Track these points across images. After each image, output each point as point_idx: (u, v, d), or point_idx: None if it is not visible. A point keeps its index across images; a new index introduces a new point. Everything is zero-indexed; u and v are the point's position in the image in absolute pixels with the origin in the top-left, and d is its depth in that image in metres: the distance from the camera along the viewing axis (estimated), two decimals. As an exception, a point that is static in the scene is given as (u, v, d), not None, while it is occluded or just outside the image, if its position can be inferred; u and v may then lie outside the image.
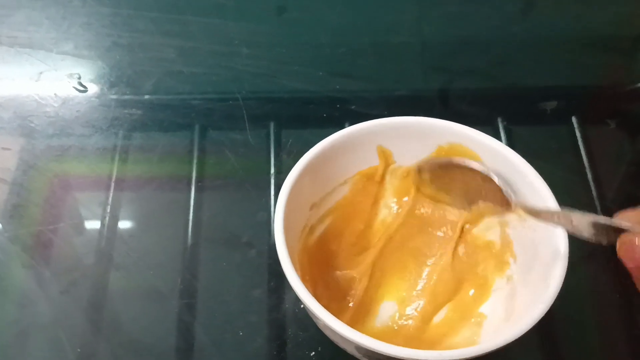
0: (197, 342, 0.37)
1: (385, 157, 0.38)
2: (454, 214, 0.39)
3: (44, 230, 0.42)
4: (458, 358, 0.29)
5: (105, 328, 0.38)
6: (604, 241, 0.30)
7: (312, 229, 0.38)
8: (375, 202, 0.40)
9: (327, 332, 0.34)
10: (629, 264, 0.29)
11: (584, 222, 0.30)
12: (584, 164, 0.46)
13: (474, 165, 0.36)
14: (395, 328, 0.37)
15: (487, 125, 0.47)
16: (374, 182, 0.39)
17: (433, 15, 0.56)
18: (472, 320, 0.36)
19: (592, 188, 0.45)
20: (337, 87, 0.49)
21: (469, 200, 0.37)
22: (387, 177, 0.40)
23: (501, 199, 0.35)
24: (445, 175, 0.37)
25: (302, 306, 0.38)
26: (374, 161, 0.39)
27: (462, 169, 0.37)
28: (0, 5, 0.54)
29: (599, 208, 0.44)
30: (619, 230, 0.29)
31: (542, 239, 0.34)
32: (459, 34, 0.55)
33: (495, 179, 0.36)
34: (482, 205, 0.37)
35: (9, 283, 0.40)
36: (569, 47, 0.54)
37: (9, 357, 0.37)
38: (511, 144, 0.46)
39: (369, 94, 0.49)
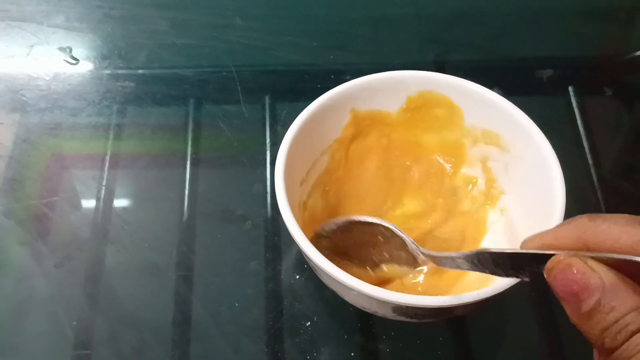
0: (194, 314, 0.37)
1: (355, 120, 0.39)
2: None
3: (39, 204, 0.42)
4: (478, 299, 0.30)
5: (101, 301, 0.38)
6: (526, 277, 0.25)
7: (304, 205, 0.38)
8: (356, 167, 0.40)
9: (328, 282, 0.34)
10: (562, 289, 0.23)
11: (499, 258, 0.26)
12: (580, 134, 0.46)
13: (373, 220, 0.35)
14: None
15: None
16: (347, 147, 0.39)
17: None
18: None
19: (589, 157, 0.45)
20: (332, 58, 0.49)
21: (376, 259, 0.36)
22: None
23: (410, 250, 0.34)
24: (347, 237, 0.36)
25: (297, 277, 0.38)
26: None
27: (362, 227, 0.35)
28: (-11, -23, 0.53)
29: (595, 177, 0.44)
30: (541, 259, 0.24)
31: (531, 167, 0.35)
32: (455, 6, 0.54)
33: (399, 233, 0.34)
34: (386, 268, 0.36)
35: (4, 257, 0.40)
36: (565, 17, 0.53)
37: (5, 330, 0.37)
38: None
39: (364, 65, 0.49)
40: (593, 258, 0.23)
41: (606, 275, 0.22)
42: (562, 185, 0.33)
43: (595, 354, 0.25)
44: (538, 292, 0.39)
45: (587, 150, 0.45)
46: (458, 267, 0.29)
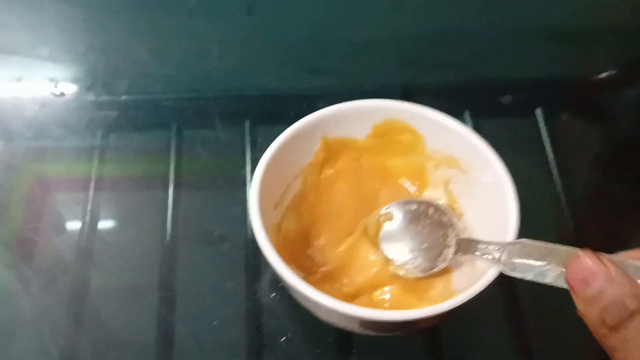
0: (175, 333, 0.40)
1: (326, 146, 0.41)
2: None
3: (25, 229, 0.44)
4: (442, 310, 0.32)
5: (86, 322, 0.40)
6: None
7: (279, 227, 0.40)
8: (327, 190, 0.42)
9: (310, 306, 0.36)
10: (574, 277, 0.28)
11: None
12: (547, 154, 0.48)
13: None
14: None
15: (455, 118, 0.49)
16: (318, 171, 0.42)
17: (401, 10, 0.58)
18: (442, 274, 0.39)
19: (556, 177, 0.47)
20: (306, 85, 0.51)
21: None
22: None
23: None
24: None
25: (272, 295, 0.41)
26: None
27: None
28: (-25, 11, 0.55)
29: (563, 197, 0.46)
30: None
31: (488, 188, 0.38)
32: (426, 29, 0.56)
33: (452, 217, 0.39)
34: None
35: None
36: (533, 40, 0.56)
37: (-6, 352, 0.39)
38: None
39: (337, 89, 0.51)
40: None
41: (614, 269, 0.27)
42: (516, 204, 0.36)
43: None
44: (508, 303, 0.41)
45: (554, 170, 0.47)
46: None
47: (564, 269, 0.29)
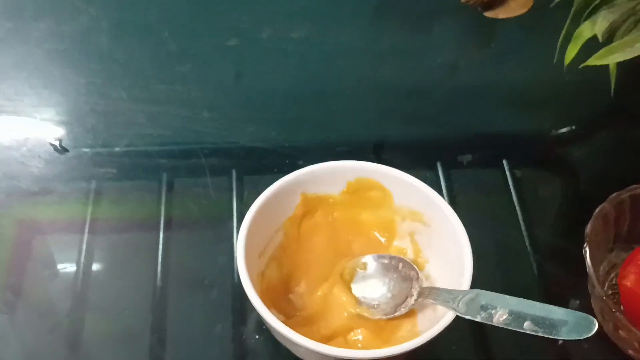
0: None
1: (305, 201, 0.46)
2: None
3: (16, 275, 0.48)
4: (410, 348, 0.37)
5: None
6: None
7: (262, 274, 0.45)
8: (306, 241, 0.47)
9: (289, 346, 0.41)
10: None
11: None
12: (514, 203, 0.53)
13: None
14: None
15: (428, 169, 0.55)
16: (298, 224, 0.47)
17: (377, 71, 0.64)
18: (406, 314, 0.43)
19: (522, 226, 0.52)
20: (287, 144, 0.56)
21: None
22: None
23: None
24: None
25: (257, 337, 0.45)
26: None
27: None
28: (-13, 76, 0.61)
29: (528, 245, 0.50)
30: None
31: (446, 239, 0.43)
32: (399, 85, 0.62)
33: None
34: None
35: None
36: (495, 99, 0.62)
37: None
38: (449, 186, 0.54)
39: (314, 148, 0.56)
40: None
41: None
42: (470, 256, 0.41)
43: None
44: (473, 341, 0.46)
45: (520, 219, 0.52)
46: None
47: (507, 313, 0.35)
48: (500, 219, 0.53)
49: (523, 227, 0.52)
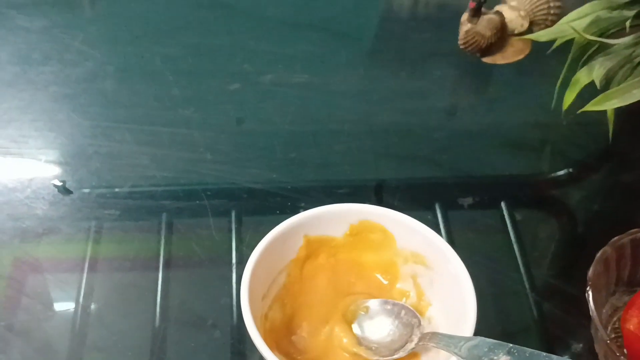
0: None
1: (308, 244, 0.47)
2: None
3: (15, 314, 0.48)
4: None
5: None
6: None
7: (266, 316, 0.45)
8: (308, 283, 0.48)
9: None
10: None
11: None
12: (513, 244, 0.54)
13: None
14: None
15: (427, 210, 0.55)
16: (301, 266, 0.47)
17: (375, 116, 0.65)
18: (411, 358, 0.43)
19: (521, 266, 0.52)
20: (289, 187, 0.57)
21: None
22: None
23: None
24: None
25: (260, 379, 0.45)
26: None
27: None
28: (-7, 119, 0.62)
29: (526, 283, 0.51)
30: None
31: (449, 282, 0.44)
32: (399, 128, 0.63)
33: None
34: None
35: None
36: (492, 143, 0.63)
37: None
38: (448, 227, 0.54)
39: (315, 191, 0.57)
40: None
41: None
42: (473, 297, 0.41)
43: None
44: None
45: (519, 260, 0.53)
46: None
47: (507, 357, 0.35)
48: (499, 260, 0.53)
49: (522, 268, 0.52)
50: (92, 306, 0.49)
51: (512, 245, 0.54)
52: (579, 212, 0.59)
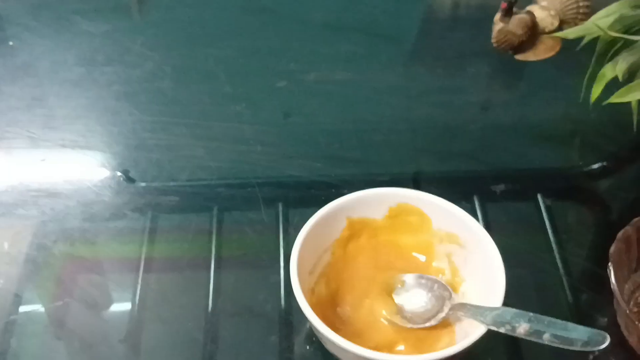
0: (227, 378, 0.48)
1: (350, 225, 0.51)
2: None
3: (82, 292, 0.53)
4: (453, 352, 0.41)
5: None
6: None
7: (312, 291, 0.49)
8: (351, 261, 0.52)
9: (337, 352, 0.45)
10: None
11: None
12: (549, 235, 0.57)
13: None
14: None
15: (462, 197, 0.58)
16: (344, 245, 0.52)
17: (413, 110, 0.69)
18: (446, 329, 0.47)
19: (557, 256, 0.55)
20: (332, 174, 0.61)
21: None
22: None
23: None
24: None
25: (307, 348, 0.50)
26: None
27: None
28: (63, 116, 0.67)
29: (562, 280, 0.54)
30: None
31: (481, 259, 0.47)
32: (435, 123, 0.67)
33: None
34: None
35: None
36: (530, 136, 0.66)
37: None
38: (483, 212, 0.57)
39: (357, 179, 0.61)
40: None
41: None
42: (502, 272, 0.45)
43: None
44: (508, 355, 0.49)
45: (554, 251, 0.56)
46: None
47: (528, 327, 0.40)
48: (530, 242, 0.56)
49: (555, 251, 0.55)
50: (152, 279, 0.54)
51: (543, 229, 0.57)
52: (606, 198, 0.62)
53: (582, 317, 0.51)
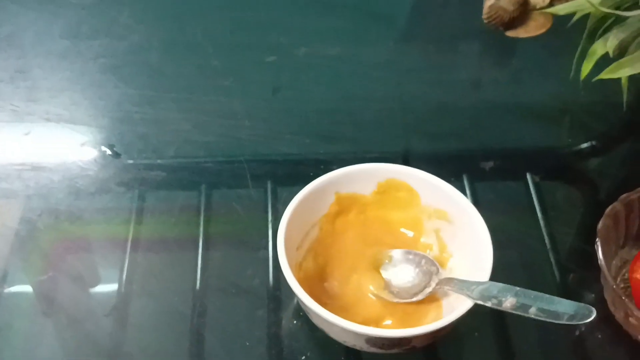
0: (213, 351, 0.48)
1: (339, 200, 0.51)
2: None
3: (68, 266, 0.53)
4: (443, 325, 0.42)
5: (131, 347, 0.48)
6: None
7: (300, 266, 0.49)
8: (339, 236, 0.52)
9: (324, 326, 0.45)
10: None
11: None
12: (537, 214, 0.57)
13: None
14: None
15: (451, 173, 0.57)
16: (332, 221, 0.51)
17: (403, 87, 0.68)
18: (433, 303, 0.48)
19: (545, 236, 0.55)
20: (321, 151, 0.61)
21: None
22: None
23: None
24: None
25: (294, 322, 0.49)
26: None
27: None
28: (47, 89, 0.66)
29: (549, 256, 0.54)
30: None
31: (469, 235, 0.47)
32: (426, 101, 0.67)
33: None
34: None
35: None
36: (520, 116, 0.66)
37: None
38: (474, 194, 0.57)
39: (347, 155, 0.60)
40: None
41: None
42: (490, 248, 0.45)
43: None
44: (494, 329, 0.49)
45: (542, 228, 0.56)
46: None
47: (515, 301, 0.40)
48: (519, 219, 0.56)
49: (543, 229, 0.55)
50: (139, 254, 0.54)
51: (532, 207, 0.57)
52: (595, 177, 0.62)
53: (569, 293, 0.51)
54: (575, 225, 0.57)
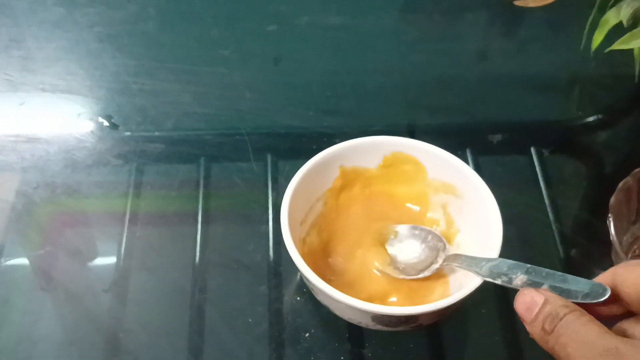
0: (215, 327, 0.47)
1: (343, 174, 0.49)
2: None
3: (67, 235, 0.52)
4: (449, 303, 0.40)
5: (130, 323, 0.48)
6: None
7: (304, 241, 0.48)
8: (344, 211, 0.50)
9: (328, 302, 0.44)
10: (520, 307, 0.35)
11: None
12: (541, 189, 0.56)
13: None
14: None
15: (457, 146, 0.55)
16: (337, 195, 0.50)
17: (407, 60, 0.67)
18: (439, 280, 0.47)
19: (549, 210, 0.54)
20: (324, 124, 0.59)
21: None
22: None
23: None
24: None
25: (298, 298, 0.48)
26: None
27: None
28: (42, 58, 0.64)
29: (555, 232, 0.53)
30: None
31: (477, 209, 0.46)
32: (430, 75, 0.65)
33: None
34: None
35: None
36: (525, 88, 0.64)
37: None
38: (478, 168, 0.56)
39: (350, 129, 0.59)
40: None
41: (549, 295, 0.35)
42: (499, 222, 0.44)
43: None
44: (501, 306, 0.49)
45: (547, 203, 0.54)
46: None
47: (526, 278, 0.38)
48: (527, 193, 0.55)
49: (547, 200, 0.54)
50: (138, 228, 0.52)
51: (538, 181, 0.56)
52: (604, 149, 0.60)
53: (577, 269, 0.50)
54: (583, 199, 0.56)
